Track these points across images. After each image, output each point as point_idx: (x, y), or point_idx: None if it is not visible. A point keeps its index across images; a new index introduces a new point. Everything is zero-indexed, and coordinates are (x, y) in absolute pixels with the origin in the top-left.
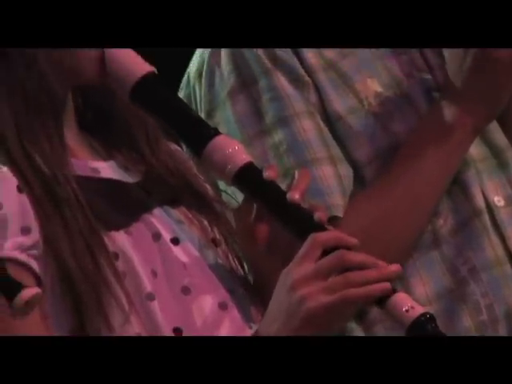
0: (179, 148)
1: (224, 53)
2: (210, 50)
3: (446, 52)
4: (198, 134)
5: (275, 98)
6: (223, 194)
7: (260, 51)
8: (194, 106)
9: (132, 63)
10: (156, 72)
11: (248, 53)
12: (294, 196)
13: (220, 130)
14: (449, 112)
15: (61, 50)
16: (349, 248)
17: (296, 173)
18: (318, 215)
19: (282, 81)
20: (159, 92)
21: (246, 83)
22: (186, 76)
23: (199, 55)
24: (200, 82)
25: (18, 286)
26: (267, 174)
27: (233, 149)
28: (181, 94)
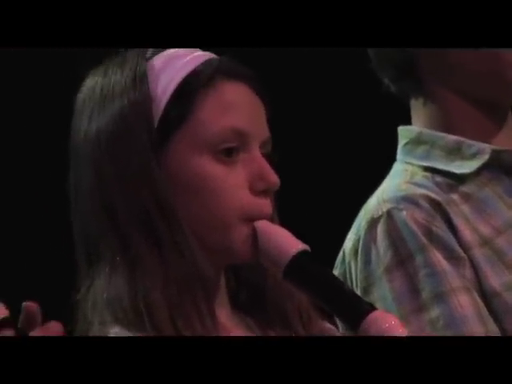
0: (332, 327)
1: (380, 229)
2: (366, 227)
3: None
4: (354, 309)
5: (431, 274)
6: None
7: (415, 227)
8: (349, 283)
9: (285, 241)
10: (309, 249)
11: (404, 229)
12: None
13: (376, 307)
14: None
15: None
16: None
17: None
18: None
19: (438, 256)
20: (313, 269)
21: (402, 259)
22: (340, 253)
23: (355, 232)
24: (356, 258)
25: None
26: None
27: (390, 323)
28: (336, 271)
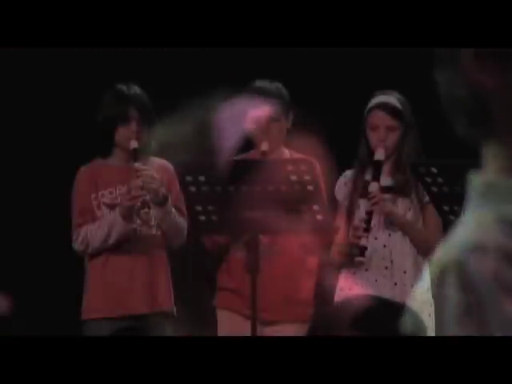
0: None
1: (449, 277)
2: (435, 275)
3: None
4: None
5: (502, 321)
6: None
7: (484, 275)
8: (419, 332)
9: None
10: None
11: (474, 277)
12: None
13: None
14: None
15: None
16: None
17: None
18: None
19: (508, 304)
20: None
21: (471, 307)
22: (411, 302)
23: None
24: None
25: None
26: None
27: None
28: (406, 321)
